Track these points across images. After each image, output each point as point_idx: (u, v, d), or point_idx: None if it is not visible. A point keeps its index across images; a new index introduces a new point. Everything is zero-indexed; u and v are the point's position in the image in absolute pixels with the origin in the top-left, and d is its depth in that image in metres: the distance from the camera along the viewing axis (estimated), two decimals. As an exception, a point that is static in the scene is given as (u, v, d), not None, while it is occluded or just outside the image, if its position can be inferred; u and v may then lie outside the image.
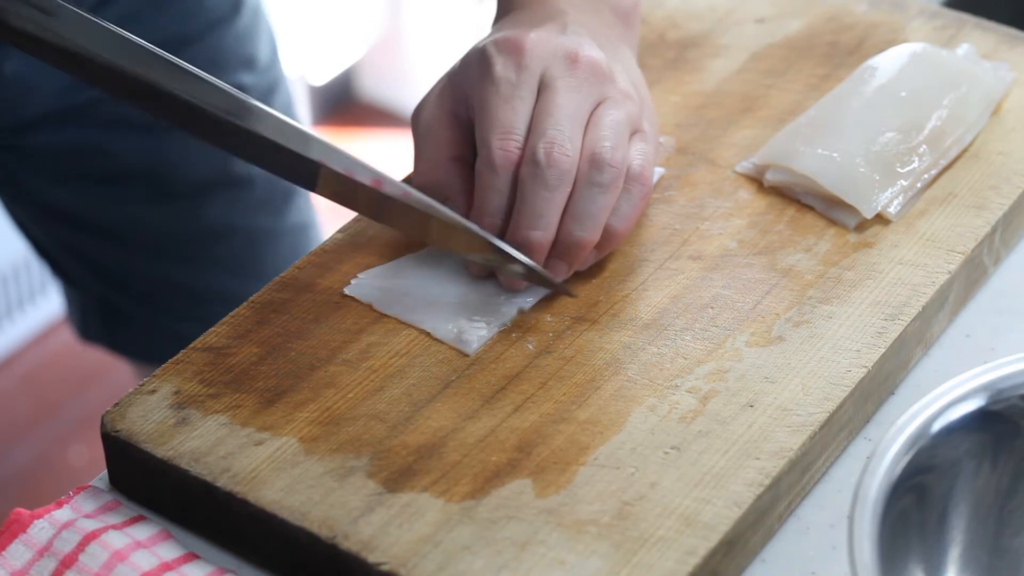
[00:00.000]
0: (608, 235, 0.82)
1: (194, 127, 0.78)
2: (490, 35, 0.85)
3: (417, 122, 0.86)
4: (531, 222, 0.80)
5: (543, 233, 0.80)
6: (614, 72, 0.83)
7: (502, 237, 0.81)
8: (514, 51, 0.82)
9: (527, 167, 0.80)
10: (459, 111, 0.84)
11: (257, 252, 1.26)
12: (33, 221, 1.24)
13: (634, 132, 0.83)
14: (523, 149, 0.80)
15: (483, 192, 0.81)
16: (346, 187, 0.79)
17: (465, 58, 0.85)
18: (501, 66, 0.81)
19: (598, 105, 0.82)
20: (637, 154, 0.82)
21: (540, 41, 0.82)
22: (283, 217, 1.26)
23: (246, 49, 1.18)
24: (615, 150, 0.80)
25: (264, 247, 1.26)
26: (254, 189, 1.22)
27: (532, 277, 0.81)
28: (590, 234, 0.80)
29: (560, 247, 0.81)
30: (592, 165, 0.80)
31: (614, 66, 0.84)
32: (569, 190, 0.80)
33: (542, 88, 0.82)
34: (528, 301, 0.82)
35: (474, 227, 0.80)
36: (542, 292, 0.82)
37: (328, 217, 1.32)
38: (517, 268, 0.80)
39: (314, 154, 0.78)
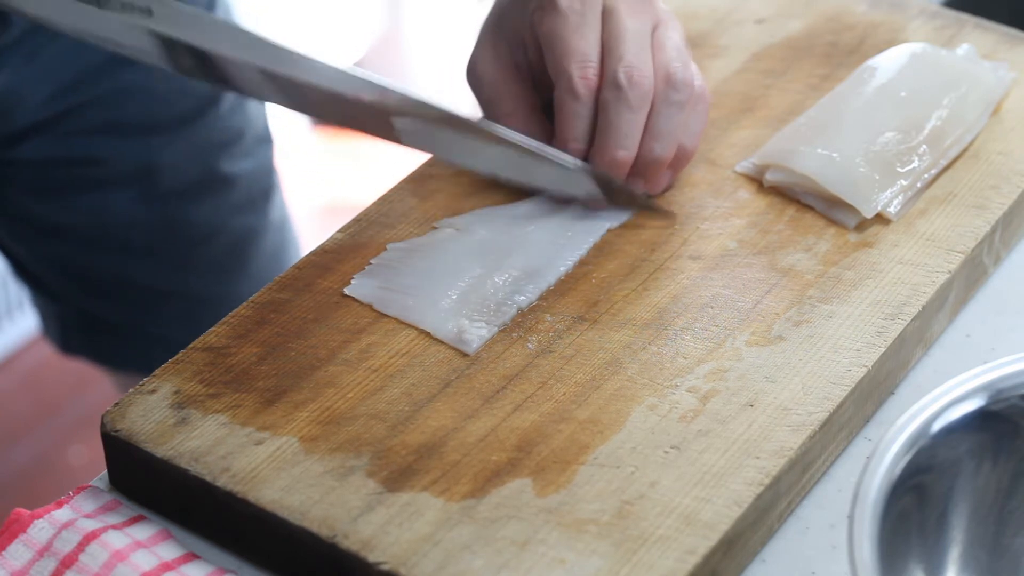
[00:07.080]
0: (682, 153, 0.86)
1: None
2: None
3: (480, 81, 0.88)
4: (617, 142, 0.83)
5: (628, 152, 0.84)
6: None
7: (585, 160, 0.84)
8: None
9: (609, 91, 0.83)
10: (518, 58, 0.87)
11: (241, 251, 1.25)
12: (15, 235, 1.23)
13: None
14: (600, 75, 0.83)
15: (566, 119, 0.84)
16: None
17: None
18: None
19: (655, 28, 0.85)
20: (695, 74, 0.86)
21: None
22: (264, 214, 1.26)
23: None
24: (685, 69, 0.85)
25: (248, 246, 1.26)
26: (237, 188, 1.22)
27: (608, 192, 0.84)
28: (668, 151, 0.85)
29: (640, 165, 0.85)
30: (669, 84, 0.84)
31: None
32: (648, 110, 0.84)
33: (605, 15, 0.85)
34: (528, 301, 0.82)
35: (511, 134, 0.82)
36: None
37: (327, 217, 1.32)
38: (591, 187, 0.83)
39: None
